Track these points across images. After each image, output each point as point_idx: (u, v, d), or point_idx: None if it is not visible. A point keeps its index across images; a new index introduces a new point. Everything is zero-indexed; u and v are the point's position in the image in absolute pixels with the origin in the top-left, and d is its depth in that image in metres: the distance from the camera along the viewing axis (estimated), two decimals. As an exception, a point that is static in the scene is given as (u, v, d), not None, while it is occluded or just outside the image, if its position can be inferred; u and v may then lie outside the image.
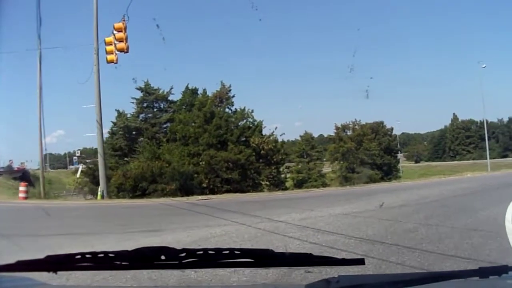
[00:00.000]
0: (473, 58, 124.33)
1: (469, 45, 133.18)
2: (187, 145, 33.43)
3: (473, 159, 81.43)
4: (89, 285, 4.53)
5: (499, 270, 1.77)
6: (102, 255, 1.75)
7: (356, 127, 54.66)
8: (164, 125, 42.81)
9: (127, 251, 1.76)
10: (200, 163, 31.79)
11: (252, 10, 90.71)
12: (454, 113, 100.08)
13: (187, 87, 39.20)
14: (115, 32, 20.92)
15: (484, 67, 51.04)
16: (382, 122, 59.06)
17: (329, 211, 12.45)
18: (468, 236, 7.97)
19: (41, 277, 2.18)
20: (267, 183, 34.56)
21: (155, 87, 44.13)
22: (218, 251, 1.73)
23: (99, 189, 25.82)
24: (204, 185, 30.91)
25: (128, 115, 44.65)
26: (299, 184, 50.43)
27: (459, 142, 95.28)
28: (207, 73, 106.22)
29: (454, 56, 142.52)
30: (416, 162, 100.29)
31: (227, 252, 1.72)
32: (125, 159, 40.60)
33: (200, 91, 39.07)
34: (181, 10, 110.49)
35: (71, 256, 1.77)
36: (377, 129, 56.98)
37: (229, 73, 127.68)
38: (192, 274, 5.03)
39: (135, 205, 18.85)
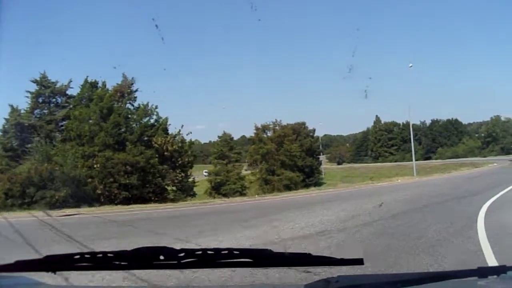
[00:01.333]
0: (397, 59, 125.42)
1: (393, 45, 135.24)
2: (82, 145, 29.26)
3: (395, 161, 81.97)
4: (88, 285, 4.43)
5: (498, 270, 1.79)
6: (101, 255, 1.76)
7: (277, 127, 52.37)
8: (61, 123, 38.11)
9: (126, 251, 1.76)
10: (95, 166, 27.67)
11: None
12: (376, 115, 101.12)
13: (86, 80, 34.34)
14: None
15: (411, 66, 50.09)
16: (304, 123, 57.64)
17: (209, 243, 8.48)
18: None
19: (40, 277, 2.13)
20: (174, 188, 30.85)
21: (53, 80, 39.39)
22: (217, 251, 1.74)
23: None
24: (99, 191, 26.99)
25: (22, 111, 39.50)
26: (216, 187, 48.12)
27: (382, 144, 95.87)
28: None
29: (379, 57, 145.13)
30: (339, 164, 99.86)
31: (226, 252, 1.73)
32: (18, 160, 35.71)
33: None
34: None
35: (70, 256, 1.79)
36: (299, 130, 55.37)
37: (145, 71, 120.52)
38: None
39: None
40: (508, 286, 1.86)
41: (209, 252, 1.73)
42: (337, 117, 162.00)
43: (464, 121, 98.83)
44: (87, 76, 34.06)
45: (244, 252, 1.75)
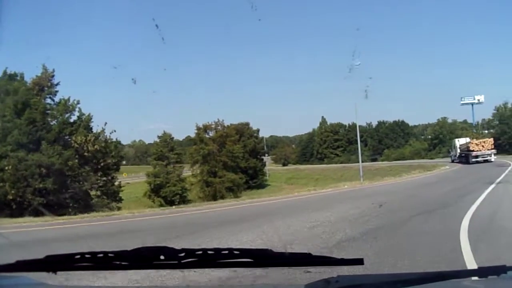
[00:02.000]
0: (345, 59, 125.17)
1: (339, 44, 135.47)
2: (-5, 145, 26.14)
3: (341, 162, 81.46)
4: (88, 285, 4.34)
5: (498, 270, 1.76)
6: (101, 255, 1.75)
7: (219, 127, 50.31)
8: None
9: (126, 251, 1.76)
10: (6, 168, 24.61)
11: None
12: (322, 116, 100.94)
13: (4, 72, 30.97)
14: None
15: (359, 64, 48.85)
16: (247, 123, 55.98)
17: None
18: None
19: (40, 277, 2.12)
20: (98, 193, 28.04)
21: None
22: (217, 251, 1.74)
23: None
24: (10, 197, 24.03)
25: None
26: (156, 190, 45.89)
27: (327, 145, 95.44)
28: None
29: (325, 56, 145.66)
30: (284, 165, 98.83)
31: (226, 252, 1.73)
32: None
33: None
34: None
35: (70, 256, 1.78)
36: (242, 131, 53.51)
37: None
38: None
39: None
40: (508, 286, 1.86)
41: (209, 252, 1.72)
42: (283, 118, 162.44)
43: (410, 123, 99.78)
44: (6, 68, 30.74)
45: (244, 252, 1.75)
